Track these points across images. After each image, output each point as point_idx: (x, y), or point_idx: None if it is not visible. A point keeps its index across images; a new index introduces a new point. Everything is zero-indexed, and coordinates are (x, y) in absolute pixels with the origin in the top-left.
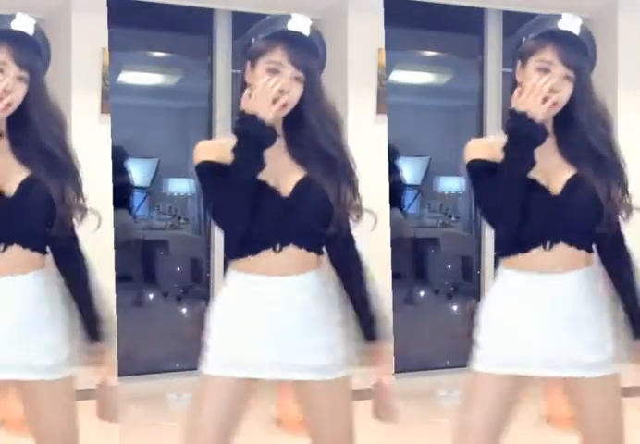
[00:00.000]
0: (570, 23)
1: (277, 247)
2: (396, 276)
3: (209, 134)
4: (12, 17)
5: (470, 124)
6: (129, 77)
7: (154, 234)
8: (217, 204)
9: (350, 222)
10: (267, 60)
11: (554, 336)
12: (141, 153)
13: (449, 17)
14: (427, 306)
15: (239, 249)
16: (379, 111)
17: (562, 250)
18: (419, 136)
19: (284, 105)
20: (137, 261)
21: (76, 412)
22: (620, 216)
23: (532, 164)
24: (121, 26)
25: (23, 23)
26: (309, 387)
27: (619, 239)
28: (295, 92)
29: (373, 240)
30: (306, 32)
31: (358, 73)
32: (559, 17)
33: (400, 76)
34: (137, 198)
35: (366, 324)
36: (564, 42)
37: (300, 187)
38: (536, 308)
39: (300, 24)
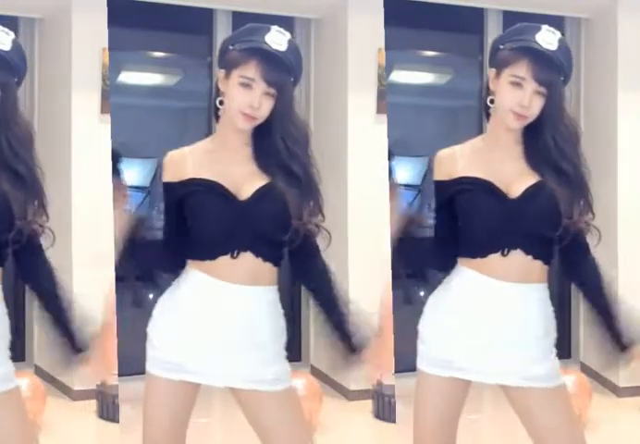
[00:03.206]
0: (548, 37)
1: (235, 253)
2: (396, 276)
3: (209, 134)
4: None
5: (470, 124)
6: (129, 77)
7: (154, 234)
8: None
9: (313, 237)
10: (241, 74)
11: (498, 345)
12: (141, 153)
13: (449, 17)
14: None
15: (197, 251)
16: (379, 111)
17: (519, 258)
18: (419, 136)
19: (253, 119)
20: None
21: (27, 421)
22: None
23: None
24: (121, 26)
25: (0, 37)
26: (255, 397)
27: (582, 248)
28: (265, 107)
29: (372, 240)
30: (283, 48)
31: (358, 73)
32: (538, 28)
33: (400, 76)
34: (137, 198)
35: (345, 339)
36: (539, 58)
37: (260, 193)
38: (486, 314)
39: (277, 38)
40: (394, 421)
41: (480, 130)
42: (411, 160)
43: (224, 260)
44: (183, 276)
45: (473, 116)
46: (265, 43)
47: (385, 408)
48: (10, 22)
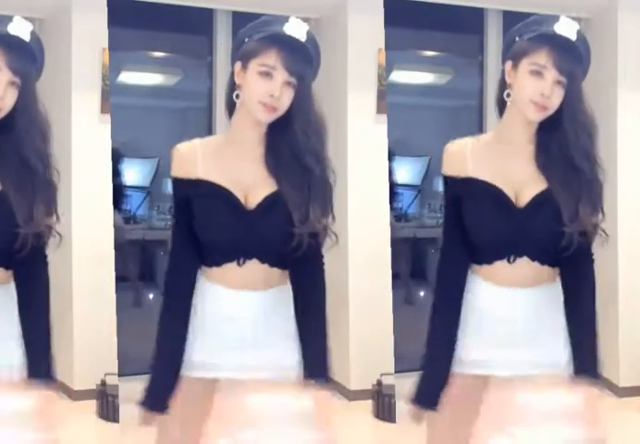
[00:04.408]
0: (567, 27)
1: (241, 261)
2: (395, 276)
3: (209, 134)
4: (9, 19)
5: (470, 124)
6: (129, 77)
7: (154, 234)
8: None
9: (319, 242)
10: (260, 62)
11: (515, 344)
12: (141, 153)
13: (449, 17)
14: (427, 306)
15: (204, 256)
16: (379, 111)
17: (526, 264)
18: (419, 136)
19: (273, 109)
20: (136, 261)
21: None
22: (587, 236)
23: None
24: (121, 26)
25: (20, 27)
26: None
27: (585, 259)
28: (286, 98)
29: (373, 240)
30: (302, 37)
31: (358, 73)
32: (556, 19)
33: (400, 76)
34: (137, 198)
35: (308, 358)
36: (560, 46)
37: (267, 202)
38: (499, 318)
39: (296, 28)
40: (394, 421)
41: (480, 130)
42: (411, 160)
43: (230, 267)
44: (196, 289)
45: (473, 115)
46: (285, 31)
47: (385, 408)
48: None
